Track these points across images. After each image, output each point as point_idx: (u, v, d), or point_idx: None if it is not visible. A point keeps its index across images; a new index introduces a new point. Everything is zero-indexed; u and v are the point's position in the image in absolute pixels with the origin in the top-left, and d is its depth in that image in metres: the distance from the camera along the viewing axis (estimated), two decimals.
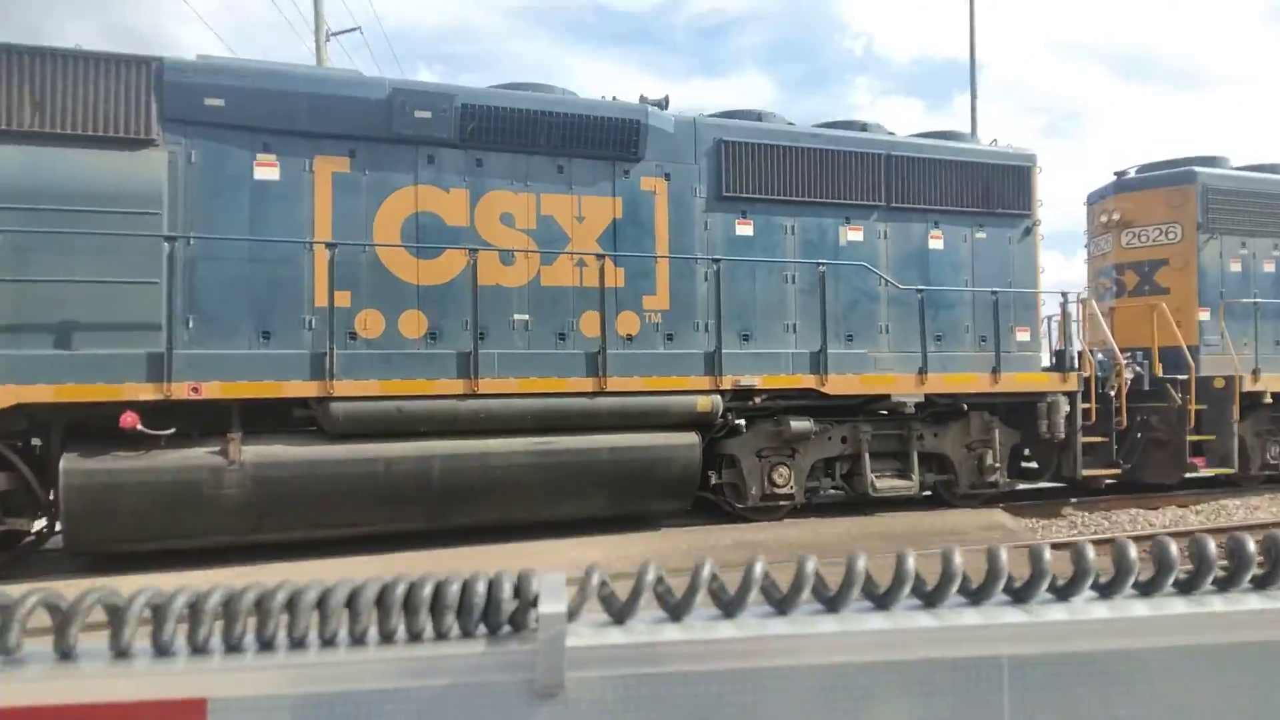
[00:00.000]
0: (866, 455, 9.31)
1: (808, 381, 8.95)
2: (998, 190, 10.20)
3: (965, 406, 9.75)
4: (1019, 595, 0.67)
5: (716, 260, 8.82)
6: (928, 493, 9.93)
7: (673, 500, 8.59)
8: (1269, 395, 11.30)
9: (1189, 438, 10.71)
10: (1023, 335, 10.23)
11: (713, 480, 8.92)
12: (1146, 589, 0.69)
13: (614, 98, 8.99)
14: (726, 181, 9.05)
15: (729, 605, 0.82)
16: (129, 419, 6.70)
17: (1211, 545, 0.75)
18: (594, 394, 8.16)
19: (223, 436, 7.04)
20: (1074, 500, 10.70)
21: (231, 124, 7.52)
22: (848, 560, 0.74)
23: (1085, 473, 10.15)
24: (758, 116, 9.60)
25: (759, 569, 0.79)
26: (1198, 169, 11.80)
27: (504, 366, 8.00)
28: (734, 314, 8.90)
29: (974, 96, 20.36)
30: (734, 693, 0.77)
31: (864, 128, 9.97)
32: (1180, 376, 10.89)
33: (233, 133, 7.54)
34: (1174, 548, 0.71)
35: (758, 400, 8.81)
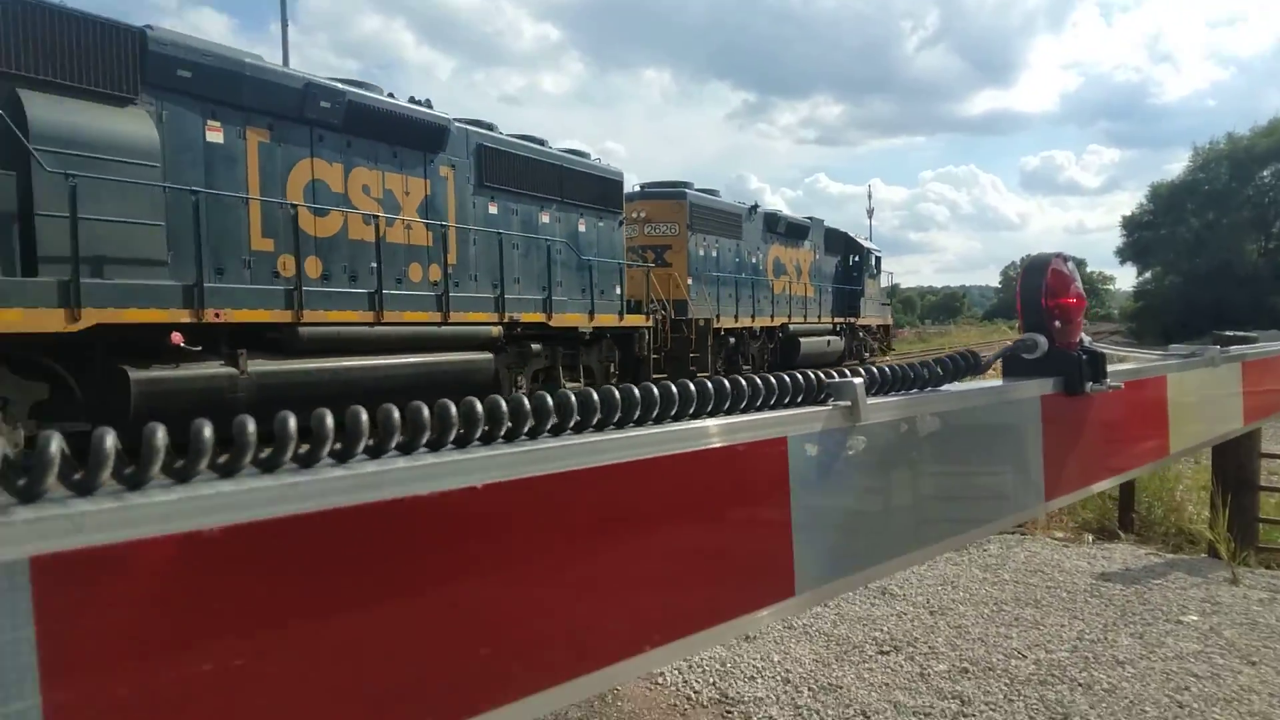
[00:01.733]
0: (560, 367, 14.09)
1: (543, 319, 13.34)
2: (610, 194, 15.74)
3: (607, 335, 15.16)
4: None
5: (489, 233, 12.61)
6: None
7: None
8: (724, 330, 19.18)
9: (690, 353, 17.80)
10: (617, 290, 15.96)
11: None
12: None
13: (427, 101, 12.07)
14: (482, 175, 12.81)
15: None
16: (177, 337, 8.16)
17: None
18: (439, 324, 11.41)
19: (232, 354, 8.77)
20: None
21: (193, 93, 8.94)
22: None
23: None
24: (489, 126, 13.39)
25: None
26: (687, 191, 19.03)
27: (387, 304, 10.78)
28: (489, 270, 12.73)
29: (285, 26, 20.21)
30: None
31: (541, 143, 14.48)
32: (684, 318, 17.92)
33: (193, 100, 8.96)
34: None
35: (519, 330, 12.91)
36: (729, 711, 3.22)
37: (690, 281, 18.71)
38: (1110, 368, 1.95)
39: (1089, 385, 1.82)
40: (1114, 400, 1.95)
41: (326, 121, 10.31)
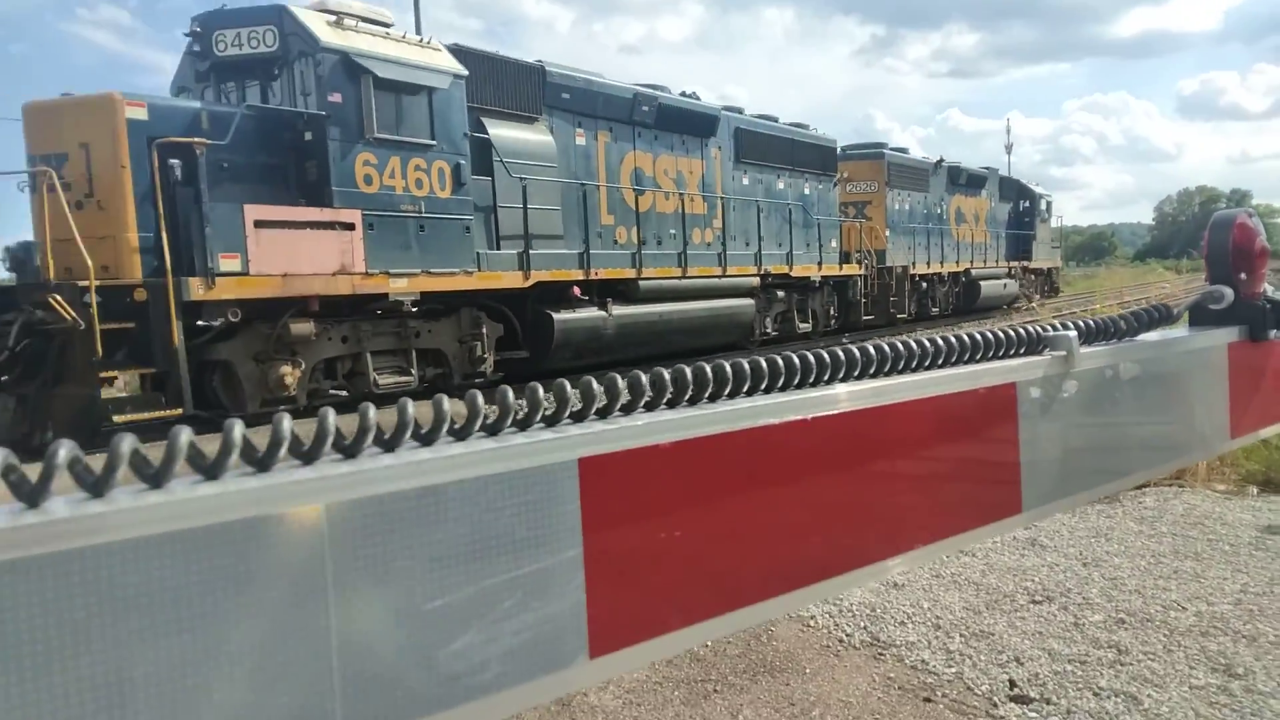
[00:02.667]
0: (794, 310, 16.92)
1: (786, 270, 16.19)
2: (827, 160, 18.30)
3: (829, 283, 17.87)
4: (348, 451, 0.70)
5: (747, 200, 15.50)
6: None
7: (741, 337, 15.32)
8: (918, 275, 21.55)
9: (891, 297, 20.26)
10: (834, 244, 18.59)
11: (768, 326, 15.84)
12: (460, 433, 0.78)
13: (694, 94, 14.98)
14: (739, 153, 15.64)
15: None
16: (576, 291, 11.49)
17: (510, 395, 0.83)
18: (719, 277, 14.45)
19: (602, 301, 12.05)
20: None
21: (569, 109, 12.13)
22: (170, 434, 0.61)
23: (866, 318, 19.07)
24: (739, 110, 16.18)
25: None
26: (884, 151, 21.31)
27: (689, 262, 13.87)
28: (746, 231, 15.62)
29: None
30: None
31: (774, 119, 17.15)
32: (885, 265, 20.36)
33: (569, 114, 12.15)
34: (480, 398, 0.81)
35: (769, 280, 15.81)
36: (881, 654, 3.26)
37: (888, 233, 21.08)
38: None
39: (1273, 333, 1.89)
40: None
41: (644, 121, 13.37)
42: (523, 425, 0.83)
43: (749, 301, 15.19)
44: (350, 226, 8.86)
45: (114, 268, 7.74)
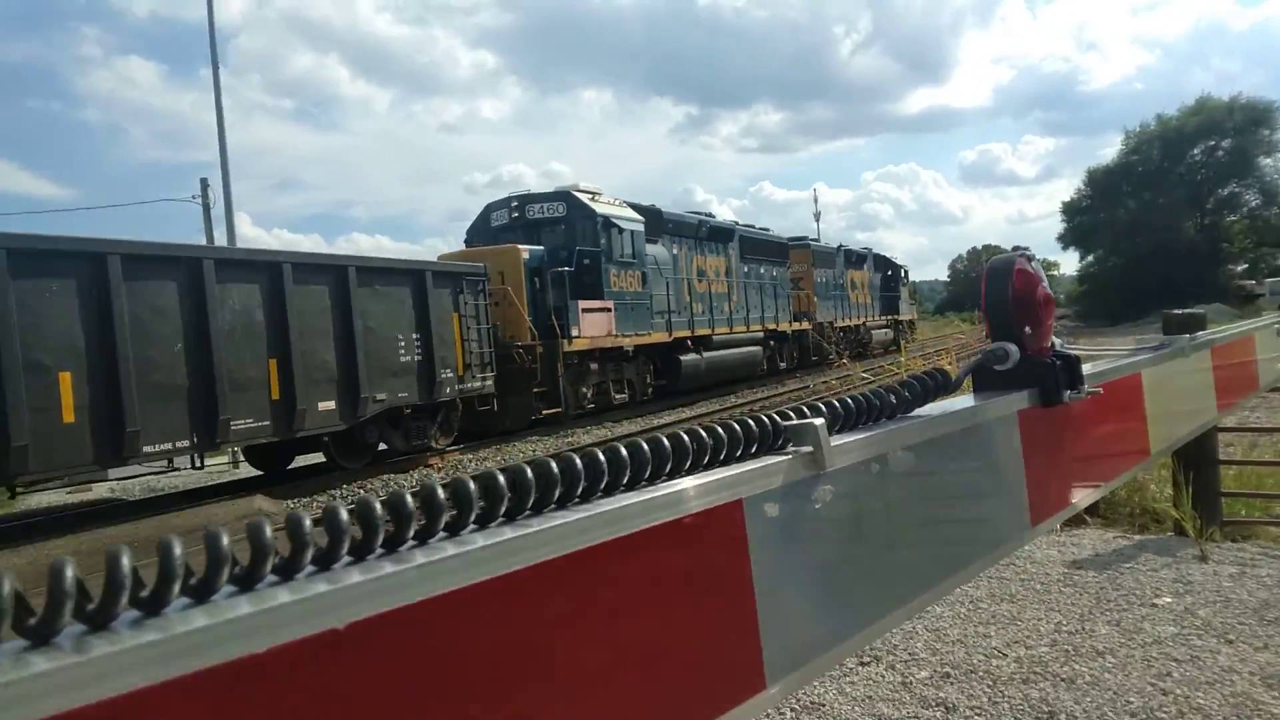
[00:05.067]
0: (777, 355, 25.04)
1: (774, 326, 24.31)
2: (783, 250, 26.75)
3: (790, 335, 26.17)
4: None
5: (749, 282, 23.58)
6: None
7: (753, 373, 23.25)
8: (835, 327, 30.37)
9: (821, 341, 28.84)
10: (790, 308, 26.92)
11: None
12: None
13: (710, 214, 23.04)
14: (742, 251, 23.70)
15: None
16: (689, 343, 19.06)
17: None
18: (744, 332, 22.37)
19: (696, 349, 19.61)
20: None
21: (668, 232, 19.79)
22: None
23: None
24: (736, 223, 24.31)
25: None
26: (811, 243, 30.06)
27: (729, 324, 21.68)
28: (748, 302, 23.59)
29: (215, 68, 19.04)
30: None
31: (766, 229, 25.40)
32: (816, 321, 28.91)
33: (669, 237, 19.81)
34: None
35: (764, 333, 23.83)
36: None
37: (816, 299, 29.75)
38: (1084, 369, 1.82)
39: (1067, 394, 1.68)
40: (1091, 406, 1.80)
41: (699, 235, 21.22)
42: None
43: (759, 348, 23.17)
44: (609, 310, 16.15)
45: (518, 336, 14.71)
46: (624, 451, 0.89)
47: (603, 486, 0.87)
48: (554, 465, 0.83)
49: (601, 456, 0.87)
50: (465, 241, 17.31)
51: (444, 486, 0.76)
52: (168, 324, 8.32)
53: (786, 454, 1.07)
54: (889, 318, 38.22)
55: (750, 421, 1.05)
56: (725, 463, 1.02)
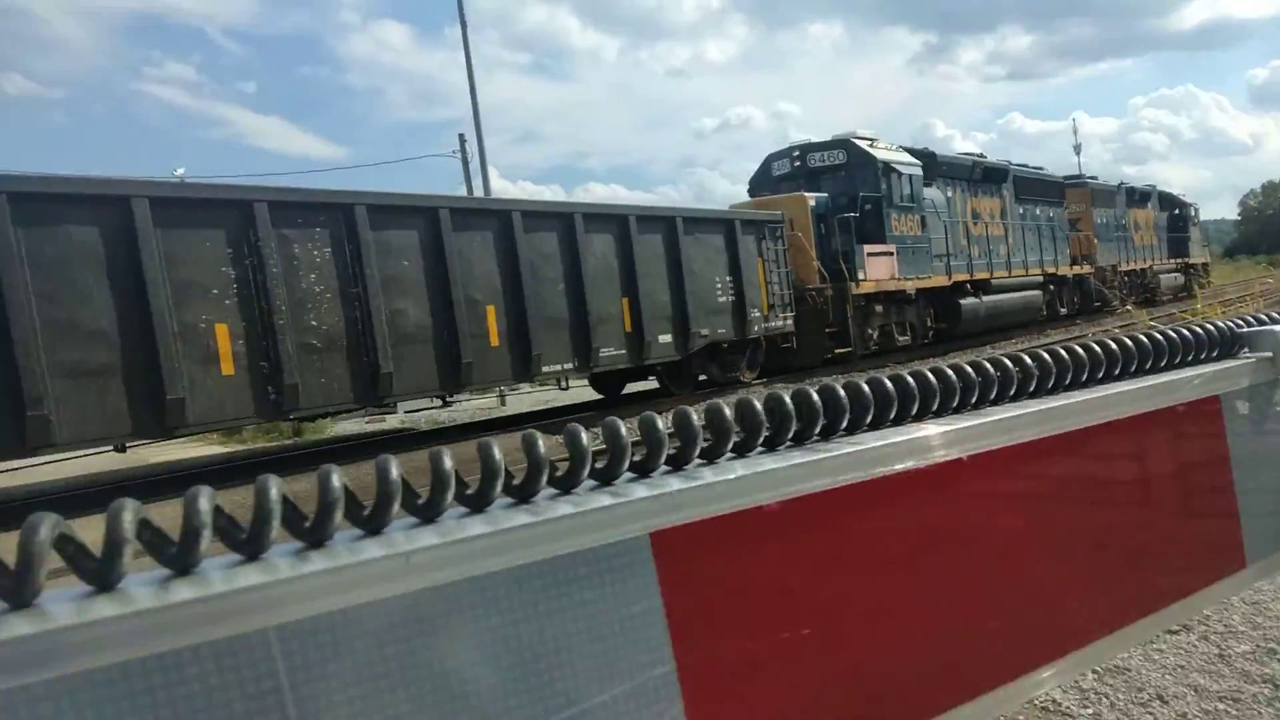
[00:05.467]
0: (1057, 299, 24.16)
1: (1054, 270, 23.50)
2: (1059, 190, 25.57)
3: (1069, 279, 25.07)
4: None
5: (1025, 224, 22.92)
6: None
7: (1034, 317, 22.69)
8: (1123, 272, 28.58)
9: (1102, 287, 27.30)
10: (1067, 251, 25.75)
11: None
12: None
13: (981, 154, 22.59)
14: (1016, 192, 23.05)
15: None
16: (968, 286, 19.08)
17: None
18: (1023, 275, 21.85)
19: (976, 293, 19.60)
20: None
21: (943, 175, 19.81)
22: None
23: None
24: (1009, 162, 23.65)
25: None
26: (1088, 181, 28.45)
27: (1008, 267, 21.34)
28: (1026, 245, 22.93)
29: (464, 26, 21.02)
30: None
31: (1040, 168, 24.53)
32: (1096, 265, 27.40)
33: (944, 180, 19.83)
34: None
35: (1045, 277, 23.11)
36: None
37: (1096, 241, 28.17)
38: None
39: None
40: None
41: (973, 178, 21.01)
42: (565, 485, 0.62)
43: (1038, 292, 22.57)
44: (892, 254, 16.67)
45: (807, 279, 15.65)
46: (1122, 343, 1.02)
47: (1117, 370, 1.02)
48: (1080, 348, 1.01)
49: (1096, 347, 1.02)
50: (749, 192, 18.46)
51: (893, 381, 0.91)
52: (553, 268, 10.15)
53: (1251, 358, 1.13)
54: (1178, 261, 35.19)
55: (1209, 325, 1.12)
56: (1192, 365, 1.09)
